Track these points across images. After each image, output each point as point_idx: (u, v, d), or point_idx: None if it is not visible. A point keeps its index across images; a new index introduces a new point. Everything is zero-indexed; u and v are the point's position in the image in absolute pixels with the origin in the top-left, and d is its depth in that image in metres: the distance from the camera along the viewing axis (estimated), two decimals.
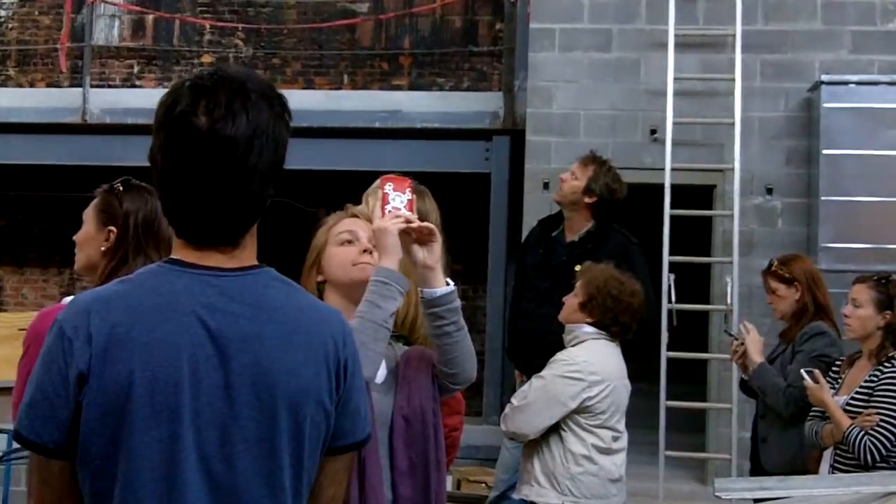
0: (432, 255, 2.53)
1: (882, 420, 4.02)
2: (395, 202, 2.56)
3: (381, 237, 2.52)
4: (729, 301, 6.72)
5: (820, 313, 4.62)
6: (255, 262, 1.82)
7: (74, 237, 3.05)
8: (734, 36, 6.95)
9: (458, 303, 2.55)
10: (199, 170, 1.71)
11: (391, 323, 2.49)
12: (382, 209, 2.55)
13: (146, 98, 8.43)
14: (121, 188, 3.02)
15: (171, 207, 1.78)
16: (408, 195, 2.59)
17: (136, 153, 7.45)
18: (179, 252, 1.78)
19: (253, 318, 1.73)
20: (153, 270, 1.78)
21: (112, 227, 2.96)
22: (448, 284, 2.54)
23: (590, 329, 4.06)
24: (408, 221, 2.52)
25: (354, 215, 2.80)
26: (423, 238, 2.53)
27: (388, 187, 2.58)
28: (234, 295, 1.73)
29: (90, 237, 2.99)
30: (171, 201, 1.77)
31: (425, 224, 2.55)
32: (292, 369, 1.72)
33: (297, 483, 1.74)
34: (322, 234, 2.76)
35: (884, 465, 4.00)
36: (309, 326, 1.78)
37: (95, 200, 3.04)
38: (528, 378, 4.29)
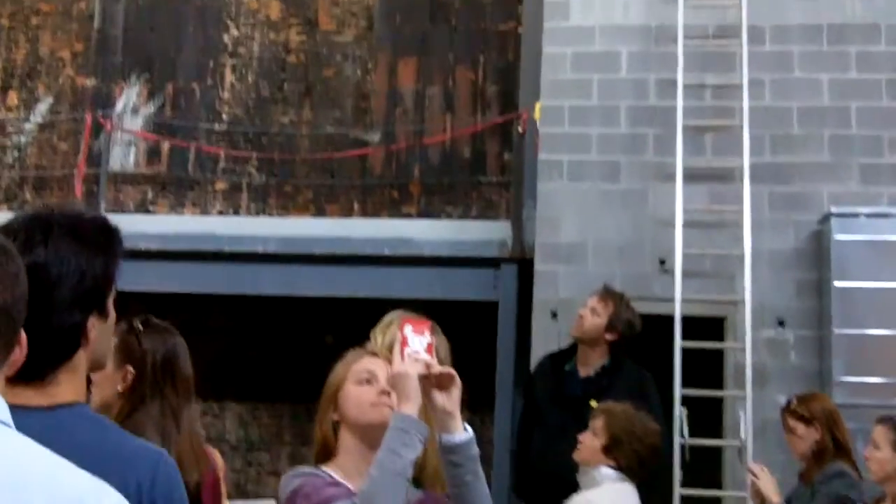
0: (452, 400, 2.47)
1: None
2: (415, 345, 2.48)
3: (400, 382, 2.45)
4: (742, 436, 6.57)
5: (840, 453, 4.51)
6: (71, 399, 1.75)
7: (90, 374, 3.01)
8: (742, 168, 6.98)
9: (477, 450, 2.49)
10: None
11: (411, 472, 2.41)
12: (402, 352, 2.47)
13: (159, 224, 8.55)
14: (140, 327, 3.00)
15: None
16: (427, 338, 2.51)
17: (147, 279, 7.54)
18: None
19: None
20: None
21: (130, 367, 2.93)
22: (466, 430, 2.47)
23: (610, 471, 3.97)
24: (428, 366, 2.45)
25: (374, 353, 2.76)
26: (443, 383, 2.47)
27: (408, 329, 2.50)
28: (34, 435, 1.56)
29: (107, 376, 2.93)
30: None
31: (446, 369, 2.50)
32: None
33: None
34: (341, 370, 2.71)
35: None
36: (110, 468, 1.61)
37: (113, 339, 3.01)
38: None
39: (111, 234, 1.86)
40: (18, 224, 1.79)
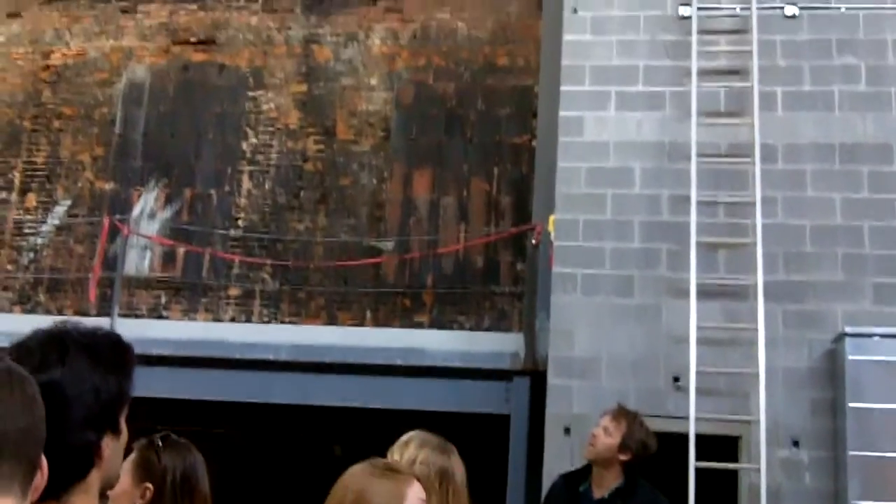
0: None
1: None
2: None
3: None
4: None
5: None
6: None
7: (108, 491, 2.99)
8: (756, 285, 6.98)
9: None
10: None
11: None
12: None
13: (172, 329, 8.56)
14: (160, 443, 3.00)
15: None
16: None
17: (160, 384, 7.52)
18: None
19: None
20: None
21: (149, 484, 2.92)
22: None
23: None
24: None
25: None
26: None
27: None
28: None
29: (125, 492, 2.94)
30: None
31: None
32: None
33: None
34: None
35: None
36: None
37: (133, 455, 3.01)
38: None
39: (125, 352, 1.89)
40: (34, 342, 1.82)
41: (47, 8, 10.50)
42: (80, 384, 1.77)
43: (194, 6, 10.15)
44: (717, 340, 7.09)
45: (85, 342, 1.83)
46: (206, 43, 10.02)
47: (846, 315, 7.07)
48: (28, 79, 10.29)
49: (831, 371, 6.99)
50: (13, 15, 10.55)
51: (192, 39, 10.06)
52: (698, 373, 6.82)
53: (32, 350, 1.80)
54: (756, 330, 6.86)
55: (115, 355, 1.86)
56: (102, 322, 8.84)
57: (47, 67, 10.28)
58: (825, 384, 7.00)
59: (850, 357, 6.76)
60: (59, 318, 1.95)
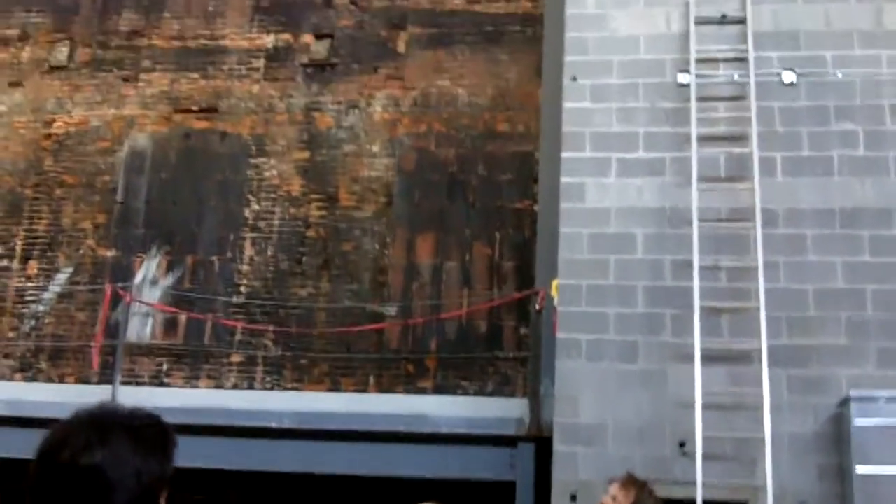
0: None
1: None
2: None
3: None
4: None
5: None
6: None
7: None
8: (760, 350, 6.99)
9: None
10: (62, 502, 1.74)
11: None
12: None
13: (174, 396, 8.53)
14: None
15: None
16: None
17: None
18: None
19: None
20: None
21: None
22: None
23: None
24: None
25: None
26: None
27: None
28: None
29: None
30: None
31: None
32: None
33: None
34: None
35: None
36: None
37: None
38: None
39: (166, 434, 1.89)
40: (76, 424, 1.82)
41: (49, 77, 10.61)
42: (123, 467, 1.77)
43: (196, 75, 10.26)
44: (722, 405, 7.09)
45: (126, 424, 1.84)
46: (208, 111, 10.12)
47: (851, 379, 7.08)
48: (30, 147, 10.36)
49: (837, 435, 6.98)
50: (15, 84, 10.65)
51: (194, 107, 10.16)
52: (704, 438, 6.80)
53: (75, 432, 1.81)
54: (761, 395, 6.86)
55: (156, 437, 1.86)
56: (104, 390, 8.81)
57: (49, 136, 10.36)
58: (831, 449, 6.98)
59: (856, 421, 6.75)
60: (102, 400, 1.97)
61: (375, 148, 9.64)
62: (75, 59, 10.58)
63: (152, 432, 1.86)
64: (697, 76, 7.80)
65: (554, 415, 7.44)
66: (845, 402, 6.88)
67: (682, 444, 7.04)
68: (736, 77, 7.82)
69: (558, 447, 7.26)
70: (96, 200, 10.05)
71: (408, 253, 9.28)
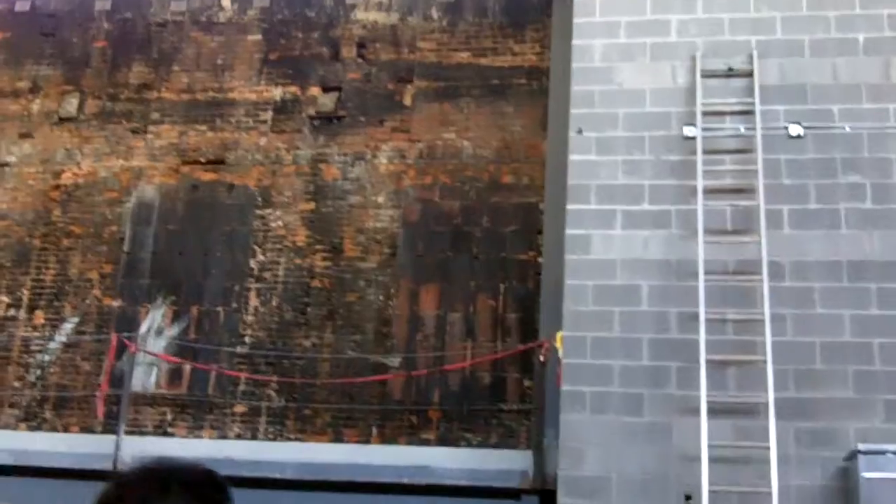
0: None
1: None
2: None
3: None
4: None
5: None
6: None
7: None
8: (767, 403, 6.95)
9: None
10: None
11: None
12: None
13: (177, 446, 8.50)
14: None
15: None
16: None
17: None
18: None
19: None
20: None
21: None
22: None
23: None
24: None
25: None
26: None
27: None
28: None
29: None
30: None
31: None
32: None
33: None
34: None
35: None
36: None
37: None
38: None
39: (223, 490, 1.88)
40: (135, 478, 1.83)
41: (58, 128, 10.69)
42: None
43: (204, 127, 10.34)
44: (728, 459, 7.03)
45: (185, 479, 1.84)
46: (216, 163, 10.18)
47: (858, 433, 7.03)
48: (38, 198, 10.42)
49: (845, 489, 6.91)
50: (25, 135, 10.74)
51: (202, 159, 10.22)
52: (711, 492, 6.74)
53: (133, 486, 1.83)
54: (768, 448, 6.80)
55: (215, 493, 1.86)
56: (108, 439, 8.78)
57: (58, 187, 10.42)
58: (839, 502, 6.91)
59: (864, 475, 6.69)
60: (159, 455, 1.98)
61: (381, 199, 9.68)
62: (85, 111, 10.67)
63: (210, 488, 1.86)
64: (704, 129, 7.84)
65: (558, 467, 7.39)
66: (853, 455, 6.82)
67: (688, 498, 6.98)
68: (742, 130, 7.86)
69: (562, 500, 7.20)
70: (103, 251, 10.08)
71: (412, 304, 9.27)
